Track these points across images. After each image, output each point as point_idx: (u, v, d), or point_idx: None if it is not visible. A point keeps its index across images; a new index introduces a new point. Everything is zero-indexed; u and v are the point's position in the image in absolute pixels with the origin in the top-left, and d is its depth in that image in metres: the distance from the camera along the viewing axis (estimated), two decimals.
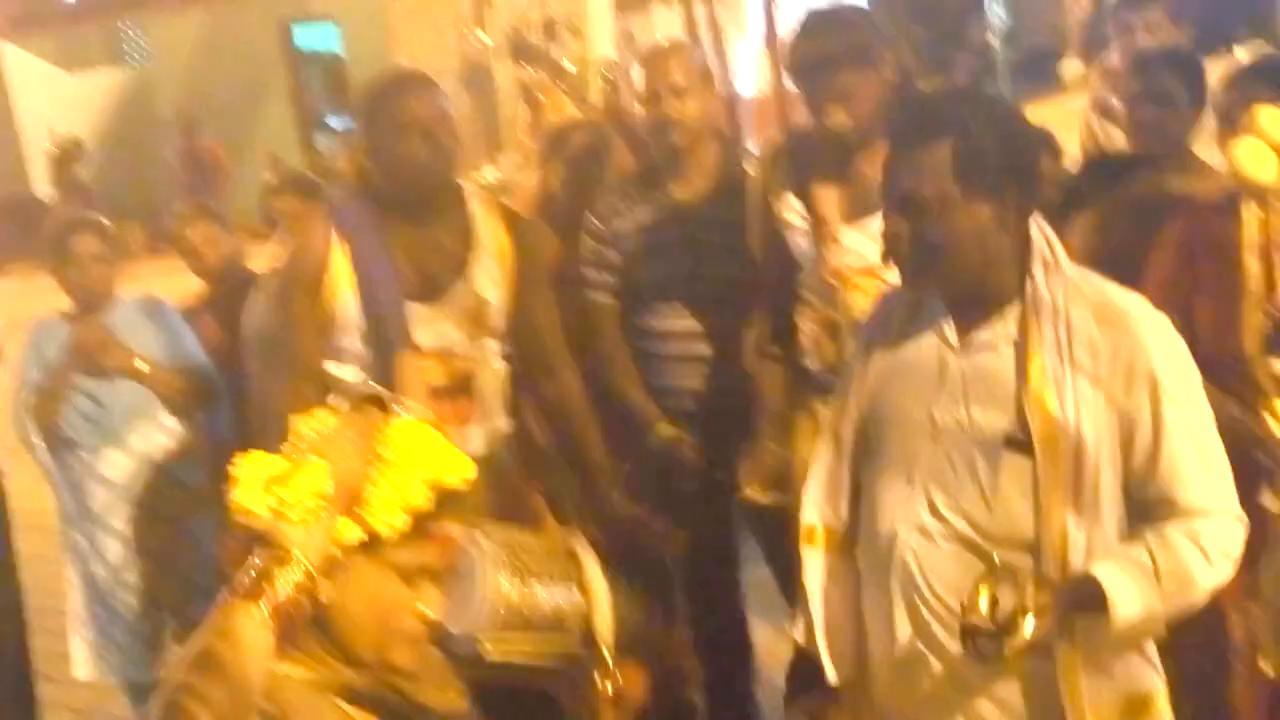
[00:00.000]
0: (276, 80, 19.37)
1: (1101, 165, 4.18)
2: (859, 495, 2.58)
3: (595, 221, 4.01)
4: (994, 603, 2.18)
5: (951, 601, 2.35)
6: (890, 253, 2.37)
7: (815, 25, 3.46)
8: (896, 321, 2.54)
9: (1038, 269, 2.39)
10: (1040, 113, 9.09)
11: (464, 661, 2.28)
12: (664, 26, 5.10)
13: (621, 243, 3.94)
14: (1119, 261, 3.64)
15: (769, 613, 4.27)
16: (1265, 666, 3.03)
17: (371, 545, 1.85)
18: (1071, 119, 5.50)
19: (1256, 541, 3.01)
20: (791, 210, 3.53)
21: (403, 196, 3.46)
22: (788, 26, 3.89)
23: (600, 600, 2.66)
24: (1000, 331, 2.40)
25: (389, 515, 1.85)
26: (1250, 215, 2.93)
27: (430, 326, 3.48)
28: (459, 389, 3.51)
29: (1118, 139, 4.54)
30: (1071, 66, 11.69)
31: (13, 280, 15.02)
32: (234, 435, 4.62)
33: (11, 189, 18.59)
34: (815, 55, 3.39)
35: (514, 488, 3.58)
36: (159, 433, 4.56)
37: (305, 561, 1.76)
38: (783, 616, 3.64)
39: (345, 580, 1.85)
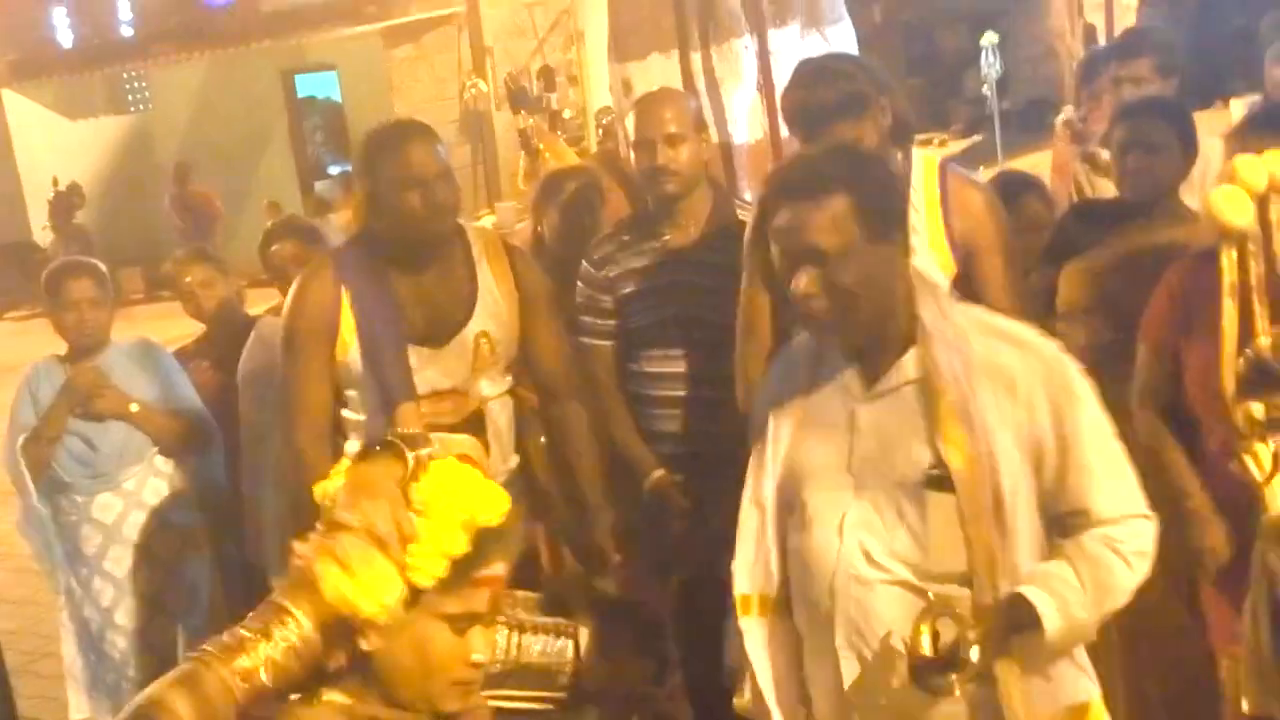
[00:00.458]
0: (278, 128, 19.49)
1: (1091, 213, 4.20)
2: (786, 557, 2.60)
3: (589, 267, 4.02)
4: (935, 637, 2.27)
5: (896, 643, 2.39)
6: (805, 304, 2.41)
7: (809, 75, 3.47)
8: (800, 380, 2.59)
9: (925, 309, 2.46)
10: (1035, 162, 9.18)
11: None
12: (661, 74, 5.15)
13: (615, 288, 3.95)
14: (1110, 308, 3.69)
15: None
16: (1245, 705, 3.05)
17: (414, 597, 1.82)
18: None
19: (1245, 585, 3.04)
20: None
21: (403, 247, 3.47)
22: (783, 75, 3.90)
23: (592, 649, 2.66)
24: (903, 374, 2.46)
25: (428, 564, 1.82)
26: (1228, 260, 2.97)
27: (438, 367, 3.49)
28: (471, 429, 3.52)
29: (1105, 191, 4.57)
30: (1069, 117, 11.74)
31: (13, 325, 15.04)
32: (227, 479, 4.63)
33: (11, 234, 18.66)
34: (809, 105, 3.40)
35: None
36: (152, 476, 4.56)
37: (305, 626, 1.75)
38: None
39: (392, 631, 1.82)
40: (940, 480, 2.40)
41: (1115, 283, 3.71)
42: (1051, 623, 2.35)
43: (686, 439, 3.93)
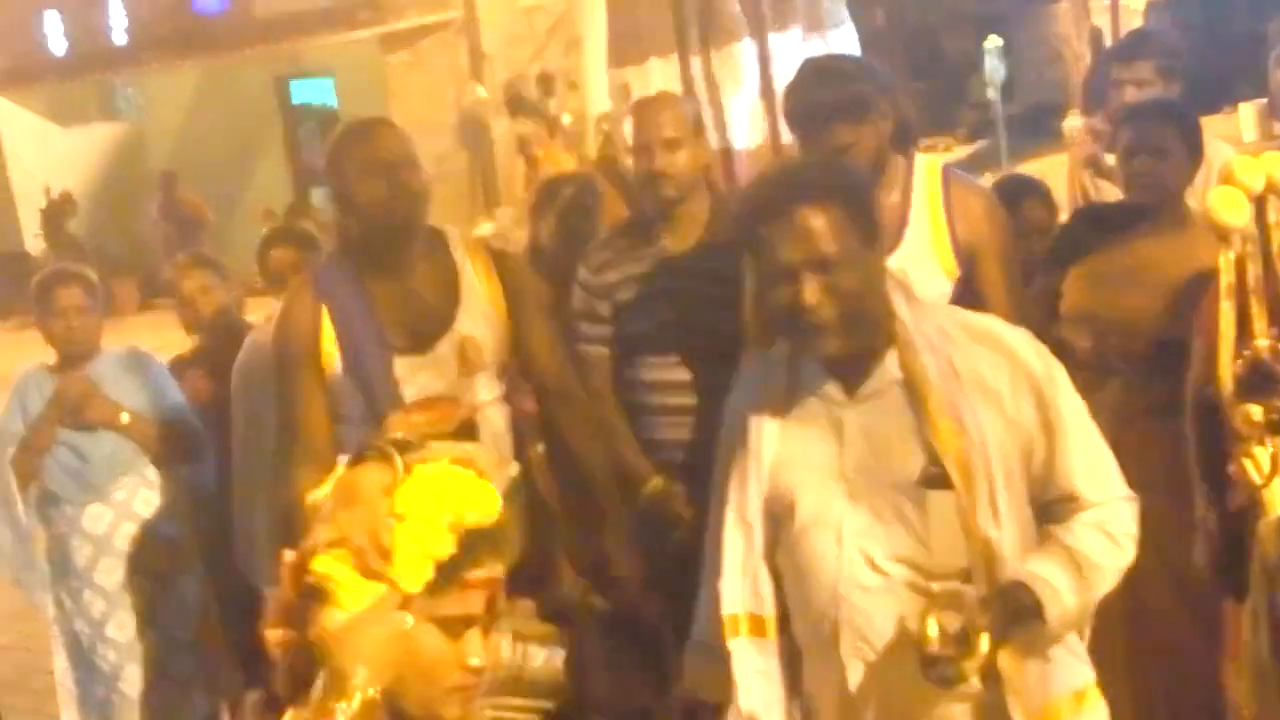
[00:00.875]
0: (272, 135, 19.48)
1: (1097, 217, 4.16)
2: (775, 573, 2.58)
3: (586, 273, 3.98)
4: (943, 630, 2.29)
5: (903, 636, 2.40)
6: (812, 312, 2.41)
7: (811, 76, 3.46)
8: (777, 392, 2.58)
9: (900, 307, 2.50)
10: (1040, 167, 9.15)
11: None
12: (660, 80, 5.13)
13: (612, 295, 3.91)
14: (1116, 314, 3.65)
15: None
16: (1245, 711, 3.07)
17: (403, 603, 1.78)
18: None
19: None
20: None
21: (379, 246, 3.45)
22: (784, 79, 3.88)
23: (590, 663, 2.63)
24: (885, 377, 2.48)
25: (412, 569, 1.78)
26: (1225, 261, 2.96)
27: (425, 374, 3.45)
28: (463, 437, 3.47)
29: (1109, 195, 4.54)
30: (1075, 122, 11.74)
31: (4, 336, 15.01)
32: (218, 489, 4.58)
33: (2, 244, 18.64)
34: (810, 107, 3.39)
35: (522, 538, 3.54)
36: (143, 486, 4.53)
37: (363, 688, 1.71)
38: None
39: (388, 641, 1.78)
40: (938, 478, 2.41)
41: (1121, 287, 3.67)
42: (1052, 609, 2.39)
43: (684, 448, 3.89)
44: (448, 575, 1.80)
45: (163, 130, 19.87)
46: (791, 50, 5.17)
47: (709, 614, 2.66)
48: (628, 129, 3.95)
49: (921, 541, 2.43)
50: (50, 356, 4.57)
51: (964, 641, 2.28)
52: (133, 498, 4.50)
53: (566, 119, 15.83)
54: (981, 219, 3.51)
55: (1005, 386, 2.45)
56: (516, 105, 15.95)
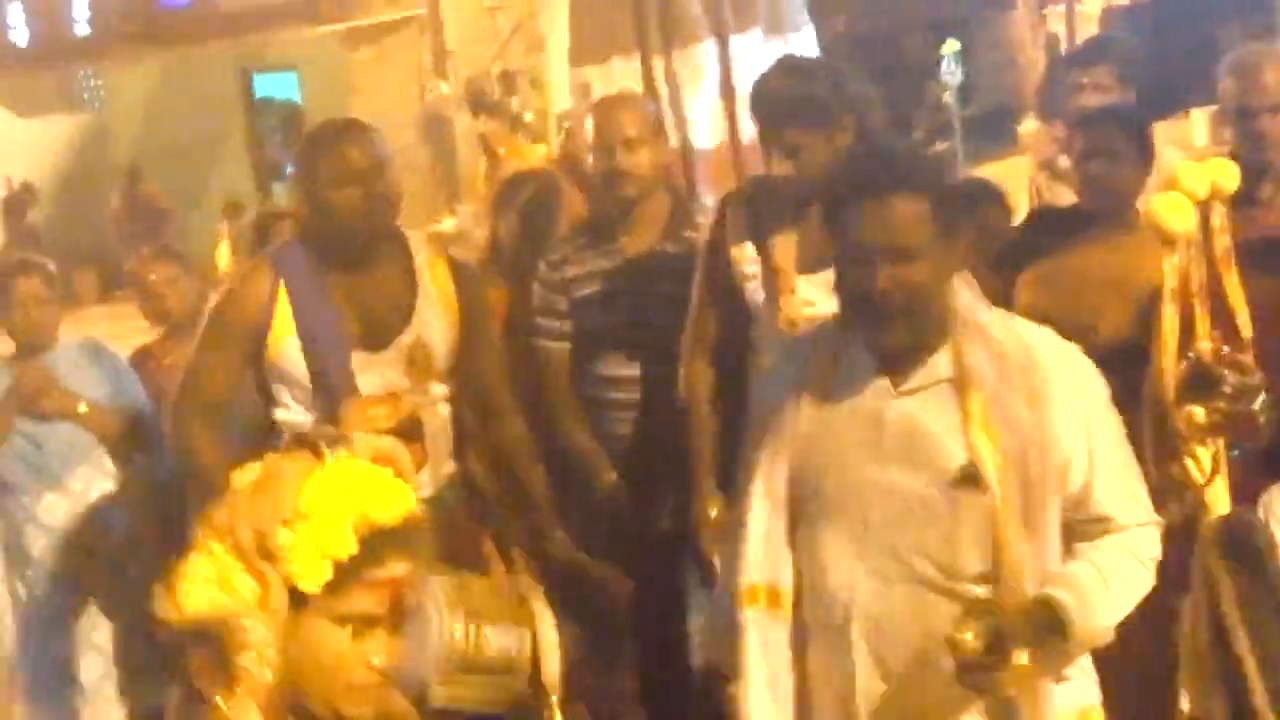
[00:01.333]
0: (235, 129, 19.35)
1: (1048, 220, 4.21)
2: (795, 549, 2.57)
3: (546, 270, 4.00)
4: (980, 637, 2.28)
5: (914, 640, 2.42)
6: (884, 299, 2.40)
7: (779, 72, 3.49)
8: (816, 374, 2.56)
9: (963, 308, 2.48)
10: (996, 171, 9.21)
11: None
12: (622, 79, 5.14)
13: (570, 290, 3.94)
14: (1068, 316, 3.68)
15: None
16: (1185, 705, 3.11)
17: (300, 599, 1.78)
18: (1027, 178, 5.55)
19: None
20: (749, 260, 3.53)
21: (343, 245, 3.45)
22: (745, 80, 3.91)
23: (548, 645, 2.64)
24: (934, 373, 2.47)
25: (308, 566, 1.77)
26: (1170, 265, 3.00)
27: (374, 373, 3.45)
28: (407, 433, 3.48)
29: (1065, 199, 4.58)
30: (1030, 126, 11.82)
31: None
32: (174, 480, 4.57)
33: None
34: (770, 101, 3.42)
35: (462, 531, 3.55)
36: (100, 476, 4.50)
37: (260, 635, 1.72)
38: None
39: (285, 636, 1.78)
40: (973, 479, 2.40)
41: (1073, 289, 3.71)
42: (1078, 626, 2.38)
43: (640, 442, 3.92)
44: (348, 574, 1.79)
45: (125, 122, 19.71)
46: (752, 52, 5.22)
47: (727, 583, 2.65)
48: (589, 127, 3.97)
49: (948, 540, 2.42)
50: (8, 347, 4.54)
51: (1000, 651, 2.29)
52: (89, 488, 4.48)
53: (529, 117, 15.80)
54: None
55: (1054, 402, 2.44)
56: (478, 103, 15.92)
